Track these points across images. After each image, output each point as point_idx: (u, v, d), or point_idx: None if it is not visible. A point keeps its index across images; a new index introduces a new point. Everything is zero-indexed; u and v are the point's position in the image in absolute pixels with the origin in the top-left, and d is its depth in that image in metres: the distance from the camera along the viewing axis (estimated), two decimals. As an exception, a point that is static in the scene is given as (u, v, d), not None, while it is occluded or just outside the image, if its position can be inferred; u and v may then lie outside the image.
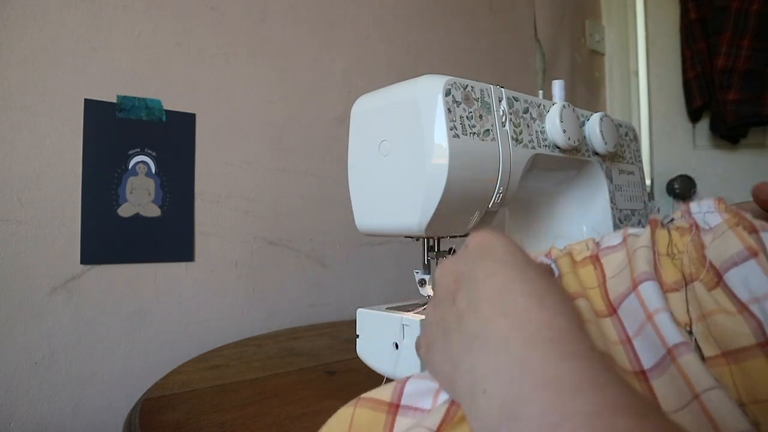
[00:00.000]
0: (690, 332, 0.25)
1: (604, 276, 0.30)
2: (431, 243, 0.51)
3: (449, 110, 0.43)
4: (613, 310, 0.28)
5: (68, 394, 0.70)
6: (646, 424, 0.17)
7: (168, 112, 0.80)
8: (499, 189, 0.47)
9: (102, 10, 0.75)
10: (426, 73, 0.45)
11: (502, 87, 0.48)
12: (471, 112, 0.44)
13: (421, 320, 0.28)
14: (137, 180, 0.77)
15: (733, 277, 0.25)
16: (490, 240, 0.28)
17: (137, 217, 0.77)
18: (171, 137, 0.80)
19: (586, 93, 1.53)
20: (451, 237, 0.50)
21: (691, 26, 1.49)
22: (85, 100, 0.73)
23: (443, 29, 1.16)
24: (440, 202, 0.43)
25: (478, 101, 0.45)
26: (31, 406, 0.68)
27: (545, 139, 0.52)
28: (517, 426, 0.19)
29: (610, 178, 0.62)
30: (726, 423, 0.20)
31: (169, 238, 0.79)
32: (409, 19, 1.11)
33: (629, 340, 0.27)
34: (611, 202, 0.61)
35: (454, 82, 0.43)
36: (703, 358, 0.24)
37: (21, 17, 0.69)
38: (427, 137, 0.43)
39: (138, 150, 0.77)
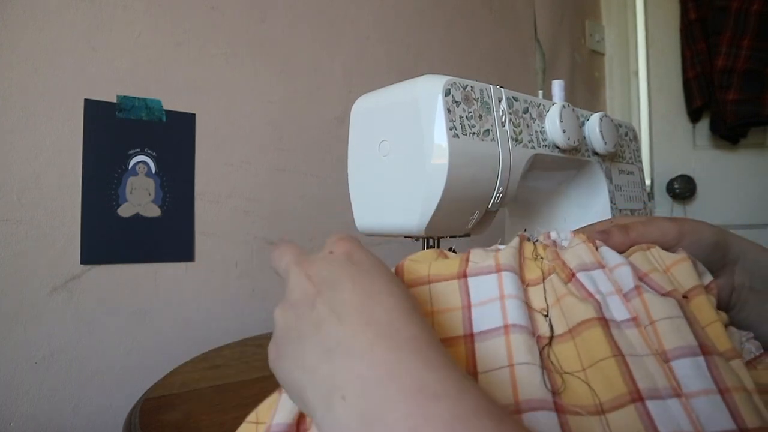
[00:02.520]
0: (546, 315, 0.29)
1: (468, 261, 0.33)
2: (431, 243, 0.51)
3: (449, 110, 0.43)
4: (463, 275, 0.31)
5: (68, 394, 0.70)
6: (503, 428, 0.18)
7: (168, 112, 0.80)
8: (498, 189, 0.47)
9: (102, 10, 0.75)
10: (426, 73, 0.45)
11: (501, 87, 0.48)
12: (471, 112, 0.44)
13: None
14: (137, 180, 0.77)
15: (582, 277, 0.30)
16: (357, 248, 0.29)
17: (137, 217, 0.77)
18: (171, 137, 0.80)
19: (586, 93, 1.53)
20: (450, 237, 0.50)
21: (691, 26, 1.49)
22: (85, 100, 0.73)
23: (443, 29, 1.16)
24: (440, 202, 0.43)
25: (477, 101, 0.45)
26: (31, 406, 0.68)
27: (545, 139, 0.52)
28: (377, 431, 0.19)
29: (609, 178, 0.62)
30: (525, 391, 0.25)
31: (169, 238, 0.79)
32: (409, 19, 1.11)
33: (469, 307, 0.30)
34: (611, 202, 0.61)
35: (454, 82, 0.43)
36: (552, 337, 0.28)
37: (21, 17, 0.69)
38: (426, 137, 0.43)
39: (138, 150, 0.77)
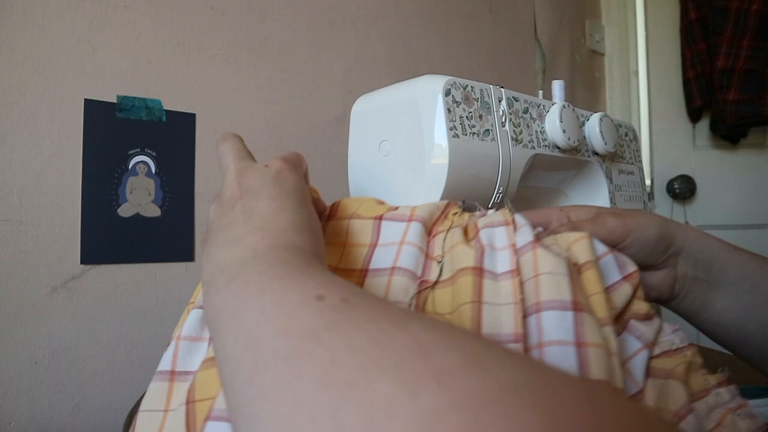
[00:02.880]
0: (439, 262, 0.32)
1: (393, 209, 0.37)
2: (431, 243, 0.52)
3: (449, 110, 0.43)
4: (379, 218, 0.35)
5: (68, 394, 0.70)
6: (311, 272, 0.22)
7: (168, 112, 0.80)
8: (498, 189, 0.47)
9: (102, 10, 0.75)
10: (426, 73, 0.45)
11: (501, 87, 0.48)
12: (471, 112, 0.44)
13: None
14: (137, 180, 0.77)
15: (483, 232, 0.33)
16: (287, 169, 0.33)
17: (137, 217, 0.77)
18: (171, 137, 0.80)
19: (586, 93, 1.53)
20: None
21: (691, 26, 1.49)
22: (85, 100, 0.73)
23: (443, 29, 1.16)
24: (440, 202, 0.43)
25: (477, 101, 0.45)
26: (31, 406, 0.68)
27: (545, 139, 0.52)
28: (237, 281, 0.23)
29: (609, 178, 0.62)
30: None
31: (169, 238, 0.79)
32: (409, 19, 1.11)
33: (374, 246, 0.34)
34: (611, 202, 0.61)
35: (454, 82, 0.44)
36: (437, 282, 0.31)
37: (21, 17, 0.69)
38: (426, 137, 0.43)
39: (138, 150, 0.77)
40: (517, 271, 0.29)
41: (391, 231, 0.34)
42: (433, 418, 0.13)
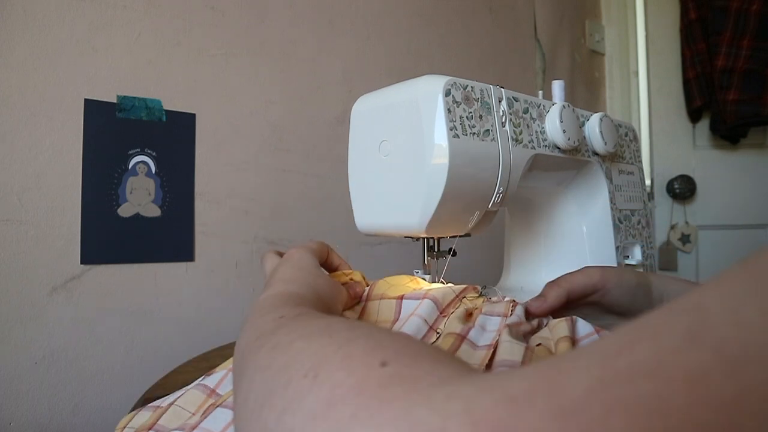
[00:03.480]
0: (438, 333, 0.39)
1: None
2: (431, 243, 0.51)
3: (449, 110, 0.43)
4: (401, 298, 0.42)
5: (68, 394, 0.70)
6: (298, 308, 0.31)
7: (168, 112, 0.80)
8: (498, 189, 0.47)
9: (102, 10, 0.75)
10: (426, 73, 0.45)
11: (502, 87, 0.48)
12: (471, 113, 0.44)
13: None
14: (137, 180, 0.77)
15: (481, 317, 0.39)
16: (296, 252, 0.43)
17: (137, 217, 0.77)
18: (171, 137, 0.80)
19: (586, 93, 1.53)
20: (450, 237, 0.50)
21: (691, 26, 1.49)
22: (85, 100, 0.73)
23: (443, 29, 1.16)
24: (440, 202, 0.43)
25: (478, 101, 0.45)
26: (31, 406, 0.68)
27: (545, 140, 0.52)
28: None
29: (609, 178, 0.62)
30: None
31: (169, 238, 0.79)
32: (409, 19, 1.11)
33: (395, 321, 0.41)
34: (611, 202, 0.61)
35: (454, 83, 0.43)
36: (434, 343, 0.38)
37: (21, 17, 0.69)
38: (427, 137, 0.43)
39: (138, 150, 0.77)
40: (491, 345, 0.35)
41: (408, 308, 0.41)
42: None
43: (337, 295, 0.40)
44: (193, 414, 0.37)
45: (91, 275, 0.73)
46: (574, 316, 0.40)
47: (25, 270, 0.68)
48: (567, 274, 0.46)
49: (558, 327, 0.38)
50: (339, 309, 0.40)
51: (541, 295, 0.43)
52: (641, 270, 0.65)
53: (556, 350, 0.36)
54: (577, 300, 0.44)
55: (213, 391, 0.38)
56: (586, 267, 0.46)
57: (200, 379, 0.41)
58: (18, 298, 0.68)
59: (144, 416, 0.41)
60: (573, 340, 0.37)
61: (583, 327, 0.39)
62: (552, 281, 0.45)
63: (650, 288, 0.44)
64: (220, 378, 0.40)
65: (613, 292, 0.44)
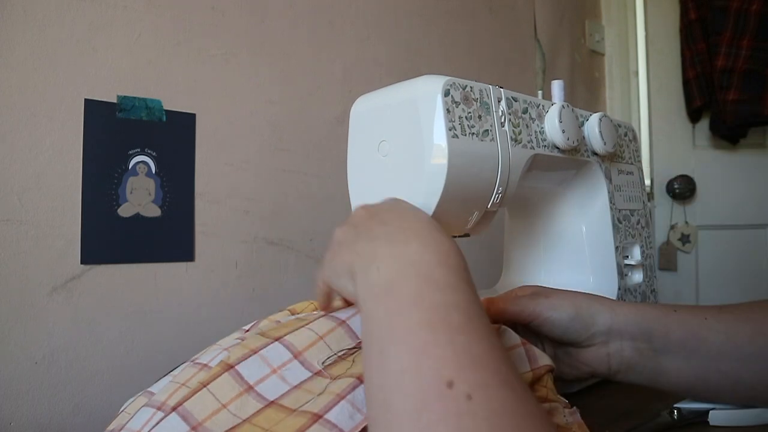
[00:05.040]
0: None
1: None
2: (430, 243, 0.51)
3: (448, 110, 0.43)
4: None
5: (68, 394, 0.70)
6: (475, 324, 0.27)
7: (168, 112, 0.80)
8: (498, 189, 0.47)
9: (102, 10, 0.75)
10: (426, 73, 0.45)
11: (501, 87, 0.48)
12: (470, 113, 0.44)
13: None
14: (137, 180, 0.77)
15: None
16: (403, 200, 0.39)
17: (137, 217, 0.77)
18: (171, 137, 0.80)
19: (586, 93, 1.53)
20: (450, 237, 0.50)
21: (690, 26, 1.49)
22: (85, 100, 0.73)
23: (443, 29, 1.16)
24: (439, 203, 0.43)
25: (477, 101, 0.45)
26: (31, 406, 0.68)
27: (544, 140, 0.52)
28: (393, 295, 0.28)
29: (609, 178, 0.62)
30: None
31: (169, 238, 0.79)
32: (409, 19, 1.11)
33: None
34: (610, 202, 0.61)
35: (453, 83, 0.44)
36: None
37: (21, 17, 0.69)
38: (426, 137, 0.43)
39: (138, 150, 0.77)
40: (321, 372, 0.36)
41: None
42: None
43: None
44: (224, 405, 0.35)
45: (91, 275, 0.73)
46: (502, 326, 0.41)
47: (25, 270, 0.68)
48: (502, 298, 0.46)
49: None
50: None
51: None
52: (641, 268, 0.65)
53: None
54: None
55: (250, 386, 0.37)
56: (520, 298, 0.46)
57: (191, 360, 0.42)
58: (18, 298, 0.68)
59: (141, 400, 0.41)
60: None
61: (510, 338, 0.39)
62: (488, 299, 0.46)
63: (592, 318, 0.44)
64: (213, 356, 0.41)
65: (543, 326, 0.44)
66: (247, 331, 0.49)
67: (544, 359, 0.39)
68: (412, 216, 0.35)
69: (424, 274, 0.28)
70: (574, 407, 0.38)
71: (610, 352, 0.44)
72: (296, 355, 0.37)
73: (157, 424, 0.34)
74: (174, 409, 0.34)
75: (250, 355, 0.38)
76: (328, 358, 0.37)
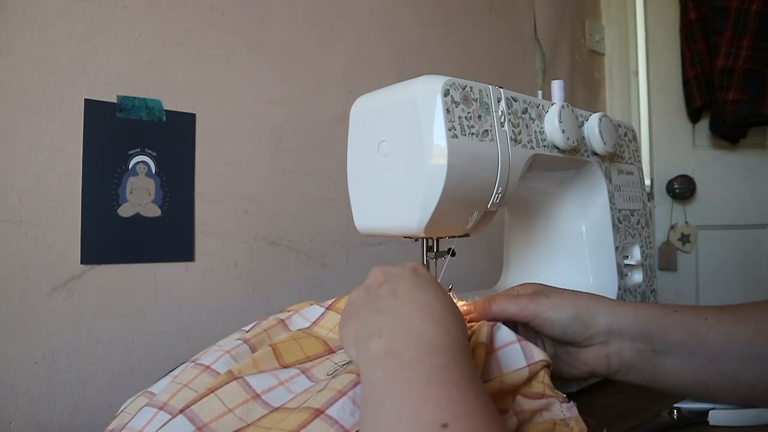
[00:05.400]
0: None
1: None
2: (430, 243, 0.52)
3: (448, 110, 0.43)
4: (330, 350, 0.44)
5: (68, 394, 0.70)
6: (470, 387, 0.27)
7: (168, 112, 0.80)
8: (497, 189, 0.47)
9: (102, 10, 0.75)
10: (426, 73, 0.45)
11: (500, 87, 0.48)
12: (470, 113, 0.44)
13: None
14: (137, 180, 0.77)
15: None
16: (421, 267, 0.40)
17: (137, 217, 0.77)
18: (171, 137, 0.80)
19: (586, 93, 1.53)
20: (450, 237, 0.50)
21: (690, 26, 1.49)
22: (85, 100, 0.73)
23: (443, 29, 1.16)
24: (439, 202, 0.43)
25: (476, 101, 0.45)
26: (31, 406, 0.68)
27: (544, 140, 0.52)
28: (393, 358, 0.29)
29: (609, 178, 0.62)
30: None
31: (169, 238, 0.79)
32: (409, 19, 1.11)
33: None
34: (610, 202, 0.61)
35: (453, 83, 0.44)
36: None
37: (21, 17, 0.69)
38: (426, 137, 0.43)
39: (138, 150, 0.77)
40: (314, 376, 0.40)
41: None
42: None
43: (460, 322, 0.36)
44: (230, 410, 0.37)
45: (91, 275, 0.73)
46: (498, 323, 0.41)
47: (25, 270, 0.68)
48: (508, 293, 0.47)
49: (480, 331, 0.39)
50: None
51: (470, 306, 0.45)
52: (641, 268, 0.65)
53: (474, 355, 0.37)
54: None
55: (257, 395, 0.38)
56: (520, 297, 0.46)
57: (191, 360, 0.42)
58: (18, 298, 0.68)
59: (141, 400, 0.42)
60: (489, 349, 0.38)
61: (505, 335, 0.40)
62: (488, 297, 0.46)
63: (593, 319, 0.44)
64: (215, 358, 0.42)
65: (542, 327, 0.44)
66: (248, 331, 0.49)
67: (540, 354, 0.39)
68: (423, 291, 0.35)
69: (425, 342, 0.30)
70: (572, 402, 0.38)
71: (609, 352, 0.44)
72: (304, 371, 0.39)
73: (164, 425, 0.34)
74: (182, 411, 0.35)
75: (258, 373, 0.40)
76: (335, 371, 0.38)
